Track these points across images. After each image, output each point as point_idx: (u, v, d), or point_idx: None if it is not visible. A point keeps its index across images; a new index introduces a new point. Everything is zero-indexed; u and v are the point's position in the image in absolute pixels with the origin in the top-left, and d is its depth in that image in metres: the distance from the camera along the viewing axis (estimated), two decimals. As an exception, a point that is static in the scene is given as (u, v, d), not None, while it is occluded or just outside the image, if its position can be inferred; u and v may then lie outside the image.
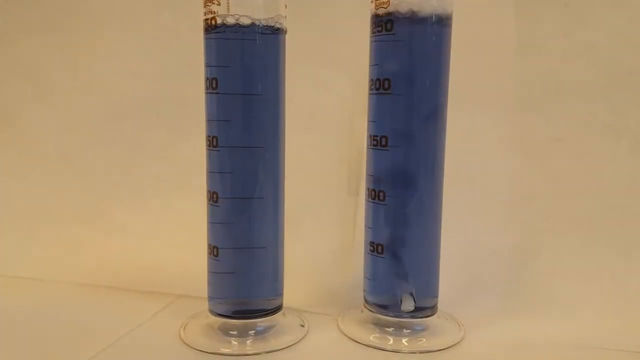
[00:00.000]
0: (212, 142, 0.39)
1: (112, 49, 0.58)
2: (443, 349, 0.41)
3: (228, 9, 0.37)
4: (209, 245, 0.41)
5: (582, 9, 0.49)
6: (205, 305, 0.42)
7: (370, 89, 0.41)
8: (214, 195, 0.40)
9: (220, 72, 0.39)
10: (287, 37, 0.40)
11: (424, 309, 0.42)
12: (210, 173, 0.40)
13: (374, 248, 0.42)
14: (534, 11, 0.50)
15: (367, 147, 0.42)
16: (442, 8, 0.39)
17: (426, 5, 0.38)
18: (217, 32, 0.38)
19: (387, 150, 0.40)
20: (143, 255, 0.55)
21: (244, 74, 0.39)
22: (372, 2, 0.40)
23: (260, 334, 0.41)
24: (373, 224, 0.42)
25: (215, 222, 0.40)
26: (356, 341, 0.42)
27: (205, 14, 0.39)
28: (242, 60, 0.39)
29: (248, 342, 0.40)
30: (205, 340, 0.40)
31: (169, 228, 0.56)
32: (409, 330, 0.42)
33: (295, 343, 0.41)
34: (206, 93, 0.40)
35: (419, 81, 0.40)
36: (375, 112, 0.41)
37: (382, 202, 0.41)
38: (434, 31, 0.39)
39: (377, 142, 0.41)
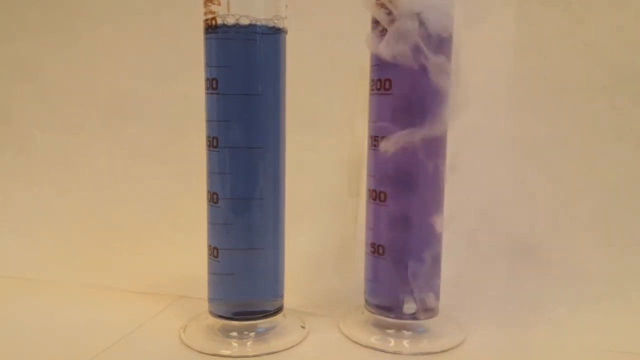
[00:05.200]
0: (212, 143, 0.39)
1: (112, 49, 0.58)
2: (444, 351, 0.40)
3: (228, 9, 0.37)
4: (209, 246, 0.41)
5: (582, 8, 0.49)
6: (205, 306, 0.42)
7: (371, 89, 0.41)
8: (214, 196, 0.40)
9: (220, 72, 0.39)
10: (287, 37, 0.40)
11: (425, 311, 0.42)
12: (210, 174, 0.40)
13: (375, 249, 0.42)
14: (535, 11, 0.50)
15: (368, 148, 0.42)
16: (443, 10, 0.39)
17: (426, 6, 0.38)
18: (217, 32, 0.38)
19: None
20: (143, 255, 0.55)
21: (244, 74, 0.39)
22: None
23: (260, 335, 0.41)
24: (374, 225, 0.42)
25: (215, 223, 0.40)
26: (357, 343, 0.41)
27: (205, 14, 0.38)
28: (242, 61, 0.38)
29: (248, 343, 0.40)
30: (206, 342, 0.40)
31: (169, 228, 0.56)
32: (410, 332, 0.41)
33: (296, 345, 0.41)
34: (206, 93, 0.40)
35: (419, 81, 0.39)
36: (375, 112, 0.41)
37: (383, 203, 0.41)
38: (433, 32, 0.39)
39: (378, 142, 0.41)
